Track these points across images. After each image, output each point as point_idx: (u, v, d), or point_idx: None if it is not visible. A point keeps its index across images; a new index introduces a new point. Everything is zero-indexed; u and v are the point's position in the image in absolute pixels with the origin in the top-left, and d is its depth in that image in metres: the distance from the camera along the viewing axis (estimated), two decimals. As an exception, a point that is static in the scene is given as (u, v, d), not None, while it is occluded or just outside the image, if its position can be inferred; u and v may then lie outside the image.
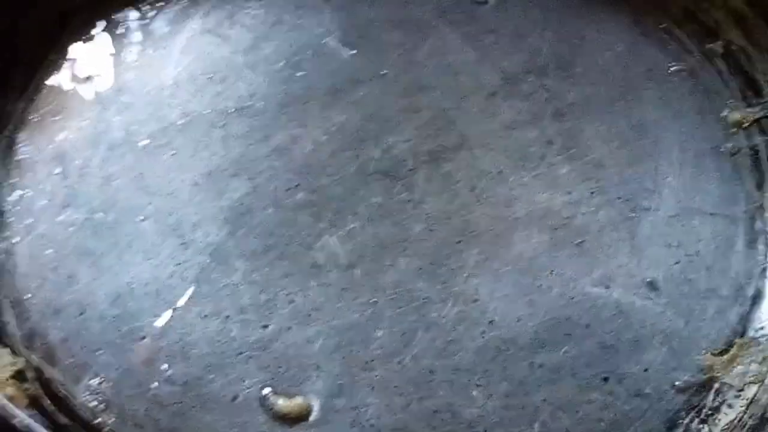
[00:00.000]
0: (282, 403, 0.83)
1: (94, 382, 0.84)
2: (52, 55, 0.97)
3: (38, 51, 0.97)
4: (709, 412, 0.85)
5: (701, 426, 0.84)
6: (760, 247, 0.91)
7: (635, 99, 0.97)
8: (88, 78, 0.96)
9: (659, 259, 0.90)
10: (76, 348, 0.85)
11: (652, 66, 0.98)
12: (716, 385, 0.86)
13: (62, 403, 0.83)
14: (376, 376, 0.85)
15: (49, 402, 0.83)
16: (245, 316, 0.87)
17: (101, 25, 0.98)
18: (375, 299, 0.87)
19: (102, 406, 0.83)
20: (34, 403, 0.82)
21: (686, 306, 0.88)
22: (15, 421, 0.76)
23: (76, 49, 0.97)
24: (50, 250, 0.88)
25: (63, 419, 0.82)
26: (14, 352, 0.84)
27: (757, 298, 0.89)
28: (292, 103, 0.95)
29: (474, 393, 0.84)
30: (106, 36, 0.98)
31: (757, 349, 0.87)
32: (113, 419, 0.83)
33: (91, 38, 0.98)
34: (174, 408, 0.83)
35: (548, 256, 0.90)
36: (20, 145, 0.93)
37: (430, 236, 0.90)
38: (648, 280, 0.89)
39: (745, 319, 0.88)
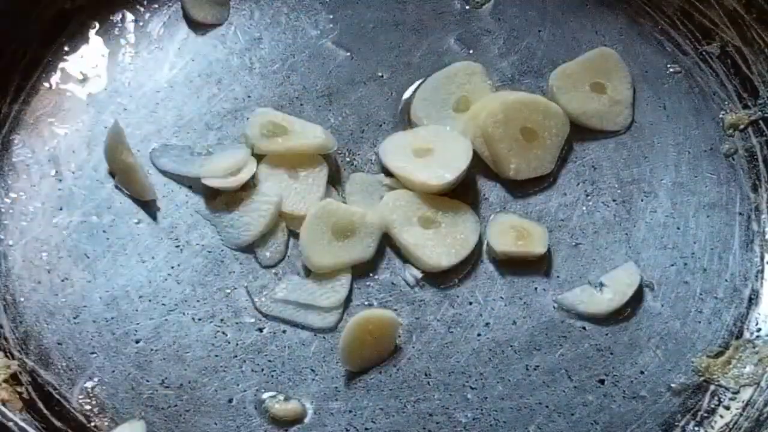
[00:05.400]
0: (277, 407, 0.83)
1: (89, 385, 0.84)
2: (48, 57, 0.97)
3: (34, 53, 0.96)
4: (705, 415, 0.85)
5: (697, 428, 0.84)
6: (756, 248, 0.91)
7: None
8: (84, 80, 0.96)
9: (655, 261, 0.90)
10: (70, 351, 0.85)
11: (648, 68, 0.98)
12: (712, 388, 0.86)
13: (56, 406, 0.83)
14: (372, 379, 0.85)
15: (43, 405, 0.83)
16: (240, 319, 0.87)
17: (96, 26, 0.98)
18: (369, 302, 0.87)
19: (96, 409, 0.83)
20: (28, 407, 0.82)
21: (682, 308, 0.89)
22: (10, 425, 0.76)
23: (71, 51, 0.97)
24: (45, 253, 0.88)
25: (57, 423, 0.82)
26: (8, 356, 0.84)
27: (753, 300, 0.89)
28: (287, 105, 0.95)
29: (469, 396, 0.84)
30: (102, 37, 0.98)
31: (752, 351, 0.87)
32: (108, 423, 0.83)
33: (86, 40, 0.98)
34: (169, 411, 0.83)
35: (544, 257, 0.90)
36: (15, 147, 0.93)
37: (425, 238, 0.90)
38: (644, 282, 0.89)
39: (741, 321, 0.88)
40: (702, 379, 0.86)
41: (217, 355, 0.85)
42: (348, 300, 0.87)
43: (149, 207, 0.91)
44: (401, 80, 0.97)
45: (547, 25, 1.00)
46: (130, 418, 0.83)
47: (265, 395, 0.84)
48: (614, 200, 0.93)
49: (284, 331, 0.86)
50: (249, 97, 0.96)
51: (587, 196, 0.93)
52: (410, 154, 0.91)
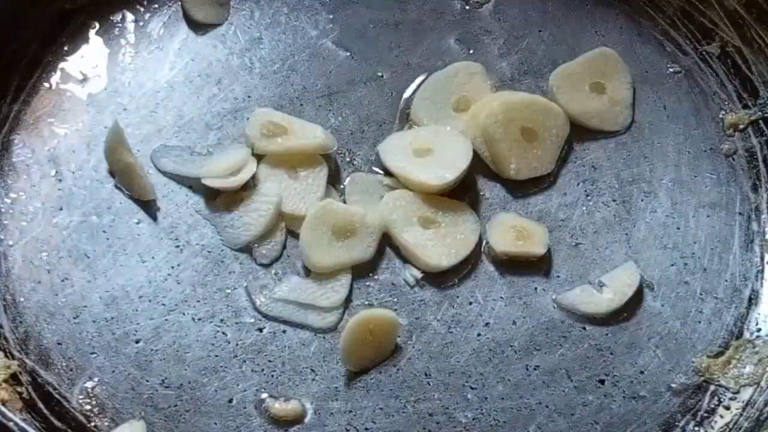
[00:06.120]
0: (277, 407, 0.83)
1: (89, 385, 0.84)
2: (48, 57, 0.97)
3: (34, 53, 0.96)
4: (705, 415, 0.85)
5: (697, 428, 0.84)
6: (756, 248, 0.91)
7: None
8: (84, 80, 0.96)
9: (655, 261, 0.90)
10: (70, 351, 0.85)
11: (648, 68, 0.98)
12: (712, 388, 0.86)
13: (56, 406, 0.83)
14: (372, 379, 0.85)
15: (43, 405, 0.83)
16: (240, 319, 0.87)
17: (96, 26, 0.98)
18: (369, 302, 0.87)
19: (96, 409, 0.83)
20: (28, 407, 0.82)
21: (682, 308, 0.88)
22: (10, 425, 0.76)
23: (71, 51, 0.97)
24: (45, 253, 0.88)
25: (57, 423, 0.82)
26: (8, 356, 0.84)
27: (753, 300, 0.89)
28: (287, 105, 0.95)
29: (469, 396, 0.84)
30: (102, 37, 0.98)
31: (752, 351, 0.87)
32: (108, 423, 0.83)
33: (86, 40, 0.98)
34: (169, 411, 0.83)
35: (544, 257, 0.90)
36: (15, 147, 0.93)
37: (425, 238, 0.90)
38: (644, 282, 0.89)
39: (741, 321, 0.88)
40: (702, 379, 0.86)
41: (217, 355, 0.85)
42: (348, 300, 0.87)
43: (149, 207, 0.91)
44: (401, 80, 0.97)
45: (547, 25, 1.00)
46: (130, 418, 0.83)
47: (265, 395, 0.84)
48: (614, 200, 0.93)
49: (284, 331, 0.86)
50: (249, 97, 0.96)
51: (587, 196, 0.93)
52: (410, 154, 0.91)
